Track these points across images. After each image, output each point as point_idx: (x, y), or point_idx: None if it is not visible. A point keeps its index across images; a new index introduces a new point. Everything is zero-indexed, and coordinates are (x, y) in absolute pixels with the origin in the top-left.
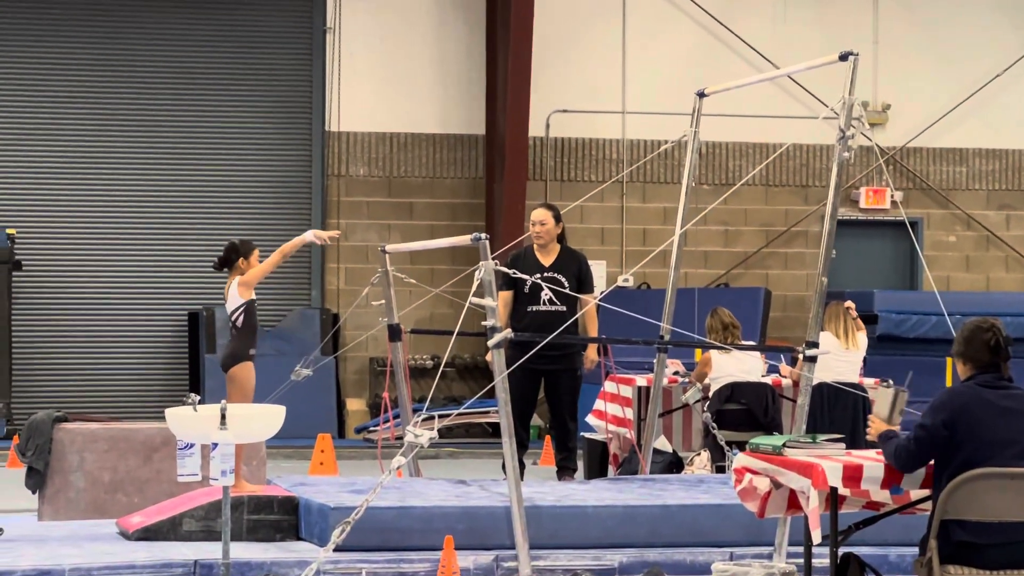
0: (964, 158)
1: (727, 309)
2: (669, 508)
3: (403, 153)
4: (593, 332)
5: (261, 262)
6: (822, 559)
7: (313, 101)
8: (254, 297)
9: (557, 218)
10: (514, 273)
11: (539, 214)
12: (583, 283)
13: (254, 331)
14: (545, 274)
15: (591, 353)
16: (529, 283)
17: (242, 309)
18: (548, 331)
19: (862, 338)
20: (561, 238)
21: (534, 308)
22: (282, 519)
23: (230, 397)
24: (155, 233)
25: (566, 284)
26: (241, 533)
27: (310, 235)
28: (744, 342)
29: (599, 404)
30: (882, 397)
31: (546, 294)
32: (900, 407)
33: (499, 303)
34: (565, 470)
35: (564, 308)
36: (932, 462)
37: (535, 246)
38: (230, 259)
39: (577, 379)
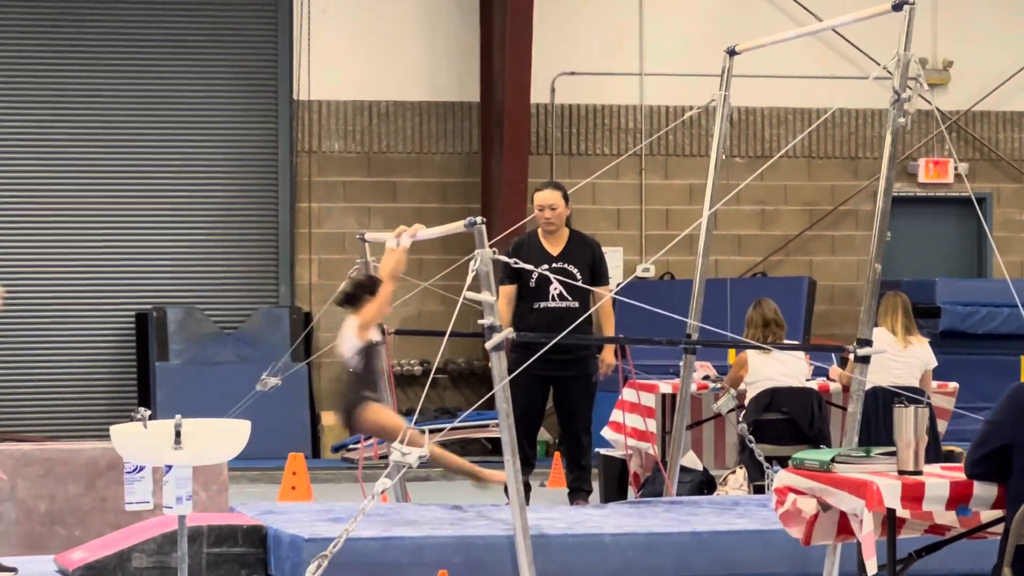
0: None
1: (774, 303)
2: (700, 535)
3: (384, 125)
4: (610, 331)
5: None
6: None
7: (279, 65)
8: (374, 340)
9: (567, 199)
10: (515, 263)
11: (549, 196)
12: (597, 274)
13: (373, 375)
14: (553, 264)
15: (607, 356)
16: (535, 275)
17: (361, 352)
18: (558, 331)
19: (923, 340)
20: (568, 222)
21: (541, 304)
22: (248, 552)
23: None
24: (95, 222)
25: (578, 275)
26: (200, 569)
27: (407, 240)
28: (785, 341)
29: (617, 415)
30: (901, 418)
31: (555, 288)
32: (924, 424)
33: (500, 299)
34: (578, 492)
35: (576, 304)
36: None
37: (540, 232)
38: (359, 297)
39: (591, 386)
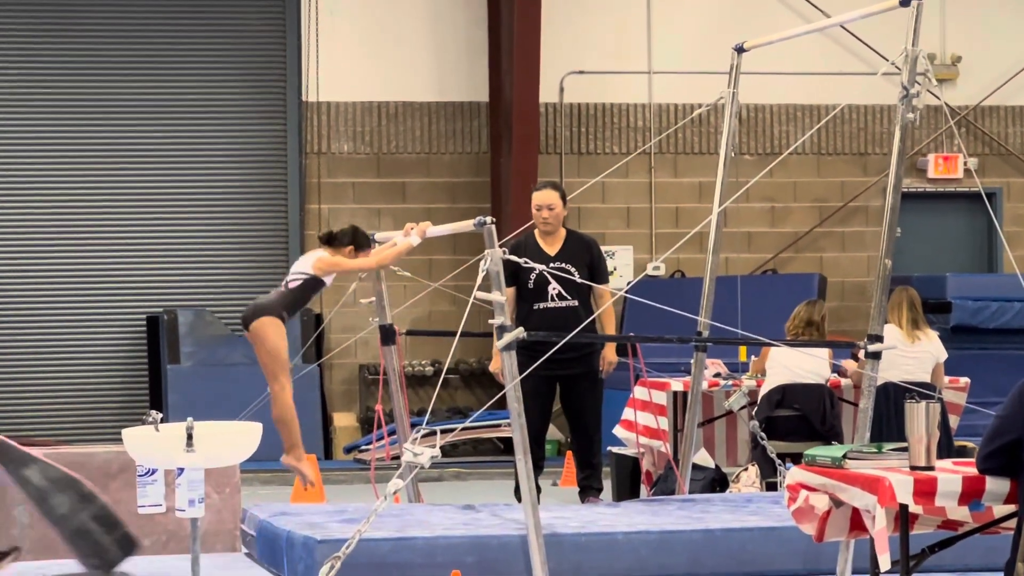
0: None
1: (826, 311)
2: (712, 533)
3: (393, 126)
4: (610, 329)
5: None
6: None
7: (287, 66)
8: (324, 280)
9: (564, 199)
10: (525, 262)
11: (547, 196)
12: (596, 273)
13: (297, 304)
14: (552, 265)
15: (609, 354)
16: (534, 276)
17: (307, 281)
18: (560, 331)
19: (932, 333)
20: (564, 221)
21: (541, 305)
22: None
23: (261, 360)
24: (105, 226)
25: (576, 275)
26: (69, 528)
27: (416, 239)
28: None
29: (628, 413)
30: (913, 413)
31: (554, 288)
32: (936, 420)
33: None
34: (588, 491)
35: (576, 303)
36: None
37: (537, 233)
38: (340, 241)
39: (598, 383)
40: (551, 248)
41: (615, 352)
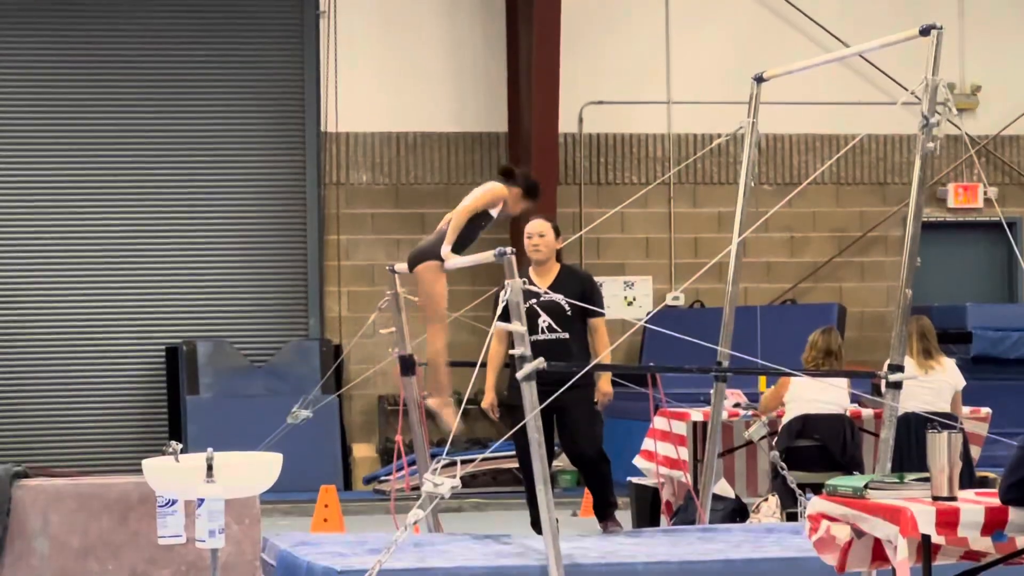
0: None
1: (840, 338)
2: (733, 563)
3: (412, 156)
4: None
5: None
6: None
7: (306, 97)
8: (492, 215)
9: (557, 232)
10: (525, 282)
11: (537, 225)
12: (590, 304)
13: (463, 241)
14: (542, 298)
15: (604, 384)
16: (524, 309)
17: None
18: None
19: (948, 361)
20: (559, 256)
21: (531, 338)
22: None
23: (420, 303)
24: (125, 257)
25: (566, 308)
26: None
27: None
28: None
29: (648, 444)
30: (935, 443)
31: (544, 320)
32: (958, 450)
33: (493, 339)
34: (603, 518)
35: (566, 335)
36: None
37: (531, 268)
38: (513, 179)
39: (593, 412)
40: (543, 281)
41: (610, 383)
